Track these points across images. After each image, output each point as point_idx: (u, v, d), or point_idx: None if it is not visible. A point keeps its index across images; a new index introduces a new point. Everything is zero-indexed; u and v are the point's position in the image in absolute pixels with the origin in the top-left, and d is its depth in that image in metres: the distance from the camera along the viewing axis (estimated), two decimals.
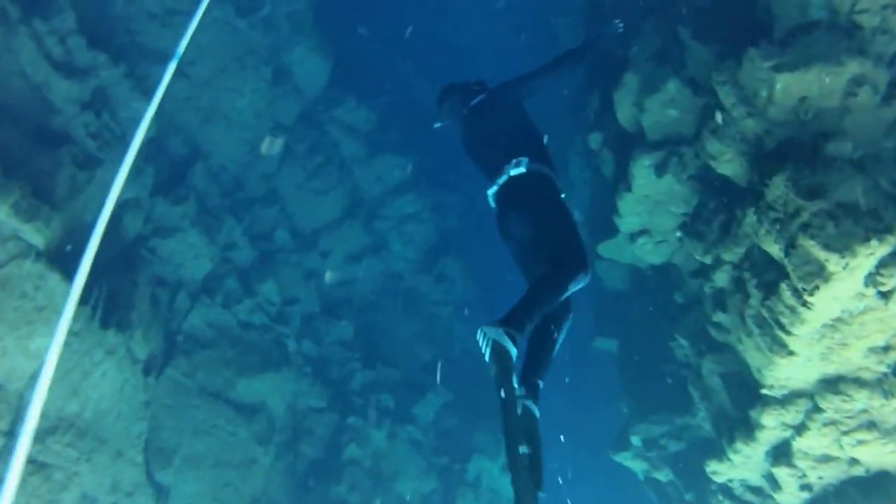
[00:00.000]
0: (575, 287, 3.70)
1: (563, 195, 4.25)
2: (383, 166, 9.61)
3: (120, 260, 7.18)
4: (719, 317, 6.15)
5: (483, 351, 3.19)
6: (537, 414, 3.43)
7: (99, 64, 7.00)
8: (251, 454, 7.51)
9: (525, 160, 4.15)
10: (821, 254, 4.50)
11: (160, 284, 7.58)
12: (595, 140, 7.17)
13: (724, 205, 5.81)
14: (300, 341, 8.43)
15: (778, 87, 4.88)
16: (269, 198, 8.72)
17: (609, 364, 9.59)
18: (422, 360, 9.50)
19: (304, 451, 8.10)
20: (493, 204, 4.34)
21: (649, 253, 6.96)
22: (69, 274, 5.98)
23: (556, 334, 3.87)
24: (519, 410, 3.17)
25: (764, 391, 5.64)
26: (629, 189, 6.42)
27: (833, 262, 4.47)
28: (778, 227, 4.81)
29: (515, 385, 3.15)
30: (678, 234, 6.68)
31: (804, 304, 4.77)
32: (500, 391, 3.05)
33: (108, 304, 6.57)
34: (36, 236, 5.82)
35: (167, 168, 7.92)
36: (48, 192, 6.08)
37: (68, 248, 5.92)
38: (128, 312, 6.75)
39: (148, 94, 7.70)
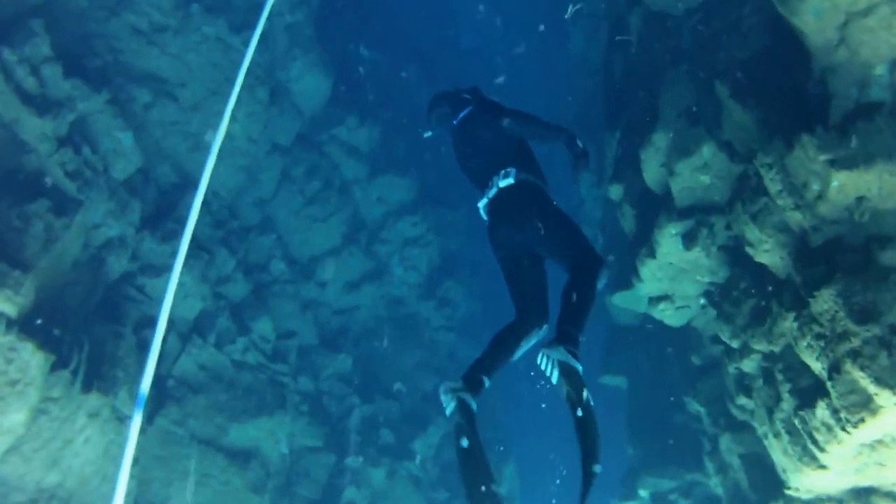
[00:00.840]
0: (601, 284, 3.70)
1: (555, 203, 4.11)
2: (385, 187, 9.04)
3: (104, 306, 6.73)
4: (743, 401, 5.75)
5: (549, 374, 3.21)
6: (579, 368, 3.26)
7: (77, 95, 6.39)
8: (245, 503, 7.24)
9: (513, 170, 4.06)
10: (870, 386, 4.04)
11: (149, 326, 7.15)
12: (615, 192, 6.62)
13: (758, 290, 5.32)
14: (297, 378, 8.06)
15: (833, 184, 4.32)
16: (265, 226, 8.20)
17: (616, 398, 9.25)
18: (423, 391, 9.16)
19: (300, 493, 7.84)
20: (485, 216, 4.24)
21: (669, 318, 6.50)
22: (43, 343, 5.54)
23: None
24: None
25: (789, 492, 5.28)
26: (652, 255, 5.91)
27: (883, 397, 4.02)
28: (822, 344, 4.33)
29: (591, 402, 3.14)
30: (702, 301, 6.21)
31: (844, 429, 4.34)
32: (576, 410, 3.07)
33: (90, 364, 6.16)
34: (6, 304, 5.36)
35: (154, 198, 7.39)
36: (19, 251, 5.59)
37: (38, 322, 5.47)
38: (112, 369, 6.35)
39: (132, 121, 7.17)
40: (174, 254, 7.38)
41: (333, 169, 8.62)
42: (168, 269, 7.16)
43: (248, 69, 7.81)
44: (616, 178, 6.59)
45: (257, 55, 7.63)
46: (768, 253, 4.97)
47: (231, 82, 7.72)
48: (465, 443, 3.11)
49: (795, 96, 4.77)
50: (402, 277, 9.31)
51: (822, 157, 4.33)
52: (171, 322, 7.35)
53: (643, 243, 6.08)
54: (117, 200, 6.83)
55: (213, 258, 7.57)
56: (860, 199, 4.34)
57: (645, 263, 6.07)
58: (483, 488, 3.02)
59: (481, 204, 4.17)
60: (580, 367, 3.15)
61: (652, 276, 6.16)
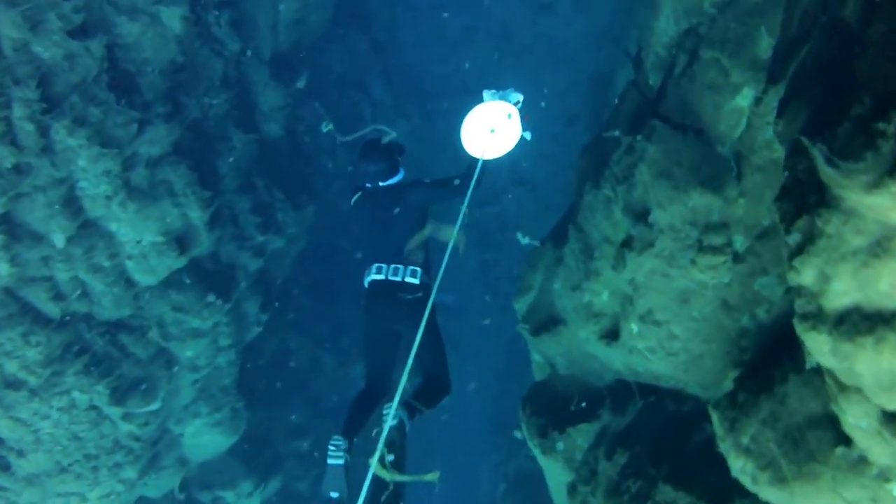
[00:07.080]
0: (439, 403, 4.18)
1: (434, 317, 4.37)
2: None
3: None
4: None
5: (384, 418, 3.69)
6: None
7: None
8: None
9: (420, 272, 4.30)
10: None
11: None
12: None
13: None
14: None
15: None
16: None
17: None
18: None
19: None
20: (366, 286, 4.40)
21: None
22: None
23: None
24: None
25: None
26: None
27: None
28: None
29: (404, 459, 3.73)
30: None
31: None
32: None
33: None
34: None
35: None
36: None
37: None
38: None
39: None
40: None
41: None
42: None
43: (120, 442, 5.98)
44: None
45: (137, 429, 6.03)
46: None
47: (94, 459, 6.05)
48: (335, 495, 3.74)
49: None
50: None
51: None
52: None
53: None
54: None
55: None
56: None
57: None
58: None
59: (373, 277, 4.30)
60: (409, 427, 3.82)
61: None
